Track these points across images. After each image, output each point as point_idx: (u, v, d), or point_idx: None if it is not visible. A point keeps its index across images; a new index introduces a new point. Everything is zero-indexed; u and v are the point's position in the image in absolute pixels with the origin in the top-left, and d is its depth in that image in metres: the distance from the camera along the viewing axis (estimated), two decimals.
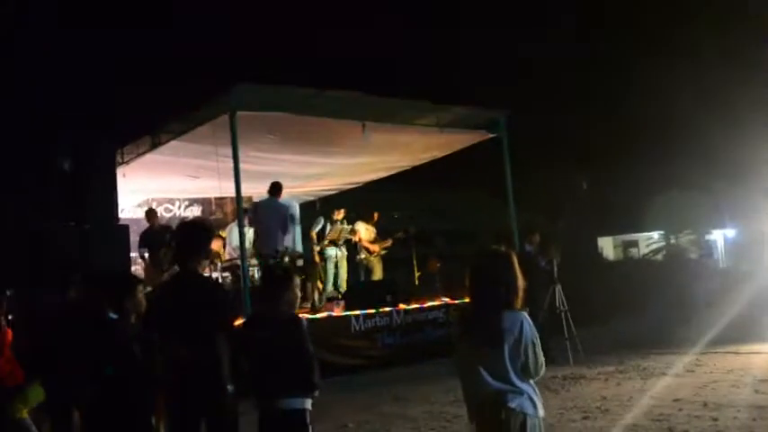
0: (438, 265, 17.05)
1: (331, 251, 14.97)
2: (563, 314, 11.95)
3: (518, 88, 18.30)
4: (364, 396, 10.06)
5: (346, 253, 15.41)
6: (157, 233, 13.96)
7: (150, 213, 14.54)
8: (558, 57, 19.38)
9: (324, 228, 15.25)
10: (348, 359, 11.98)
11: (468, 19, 20.67)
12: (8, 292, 6.50)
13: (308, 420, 5.02)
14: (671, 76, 20.00)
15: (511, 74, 19.22)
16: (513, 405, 4.12)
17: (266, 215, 13.25)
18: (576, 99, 19.94)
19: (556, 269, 12.25)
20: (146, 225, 14.55)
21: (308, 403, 5.05)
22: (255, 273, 13.52)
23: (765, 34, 18.47)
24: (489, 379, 4.16)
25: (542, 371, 4.24)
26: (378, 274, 15.99)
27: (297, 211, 15.55)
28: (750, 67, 18.47)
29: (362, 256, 16.00)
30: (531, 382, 4.23)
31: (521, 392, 4.16)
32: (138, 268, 13.88)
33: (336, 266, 15.07)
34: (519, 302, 4.26)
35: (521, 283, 4.28)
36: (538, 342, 4.23)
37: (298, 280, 5.37)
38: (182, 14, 17.74)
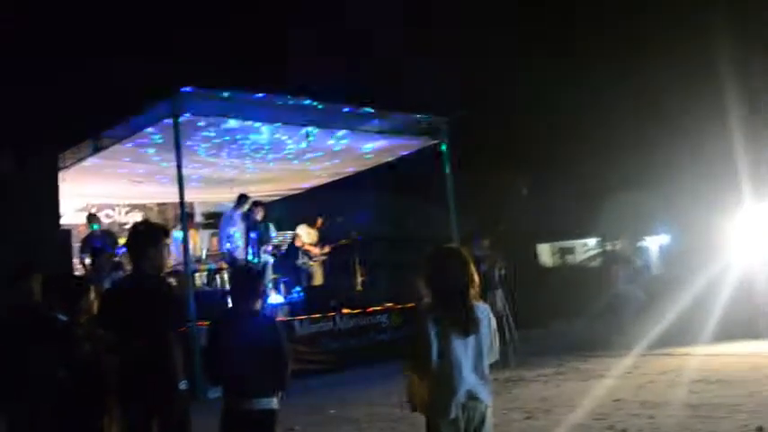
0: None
1: (268, 257, 14.87)
2: (504, 318, 12.11)
3: (460, 93, 18.49)
4: (309, 399, 10.07)
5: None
6: (99, 239, 13.84)
7: (92, 218, 14.38)
8: (499, 61, 19.62)
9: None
10: (292, 364, 11.96)
11: (411, 21, 20.77)
12: None
13: (276, 422, 5.09)
14: (607, 81, 20.37)
15: (453, 79, 19.41)
16: (480, 396, 4.29)
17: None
18: (515, 105, 20.19)
19: (497, 273, 12.43)
20: (85, 231, 14.41)
21: (277, 403, 5.12)
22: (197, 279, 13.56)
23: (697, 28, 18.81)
24: (467, 372, 4.28)
25: (497, 354, 4.46)
26: (318, 279, 16.02)
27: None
28: (690, 72, 18.86)
29: (303, 260, 15.96)
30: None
31: (487, 383, 4.33)
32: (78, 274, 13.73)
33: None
34: (477, 295, 4.42)
35: (477, 276, 4.44)
36: (495, 328, 4.44)
37: None
38: (123, 16, 17.50)
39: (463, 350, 4.29)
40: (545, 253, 28.33)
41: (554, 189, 22.33)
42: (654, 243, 28.81)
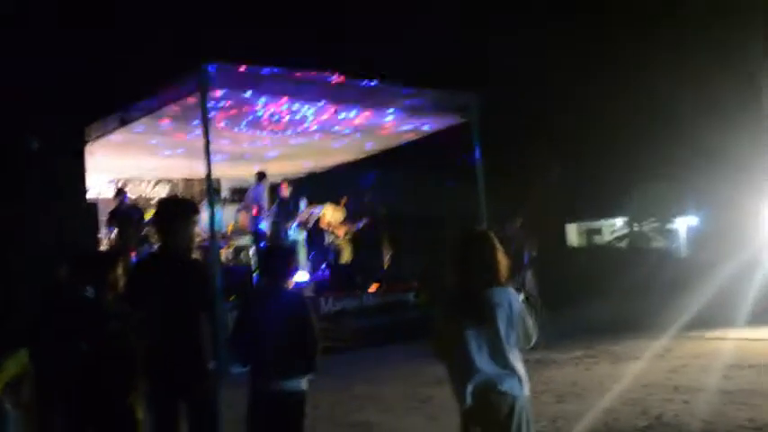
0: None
1: (297, 234, 14.82)
2: (533, 299, 11.95)
3: (489, 72, 18.28)
4: (335, 378, 9.87)
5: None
6: (126, 212, 13.81)
7: (119, 192, 14.35)
8: (529, 41, 19.38)
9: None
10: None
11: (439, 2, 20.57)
12: None
13: (305, 403, 4.96)
14: (638, 63, 20.12)
15: (482, 57, 19.20)
16: (504, 388, 4.10)
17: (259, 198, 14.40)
18: (544, 84, 19.98)
19: (528, 254, 12.26)
20: (112, 204, 14.38)
21: (306, 384, 4.99)
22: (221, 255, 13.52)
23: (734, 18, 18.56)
24: (482, 361, 4.12)
25: (535, 336, 4.31)
26: (346, 256, 15.92)
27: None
28: (720, 53, 18.59)
29: (330, 239, 15.93)
30: (520, 362, 4.22)
31: (513, 373, 4.14)
32: (104, 247, 13.70)
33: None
34: (503, 279, 4.25)
35: (503, 260, 4.27)
36: (525, 311, 4.25)
37: None
38: None
39: (476, 339, 4.13)
40: (572, 232, 28.17)
41: (583, 170, 22.16)
42: (682, 225, 28.58)
